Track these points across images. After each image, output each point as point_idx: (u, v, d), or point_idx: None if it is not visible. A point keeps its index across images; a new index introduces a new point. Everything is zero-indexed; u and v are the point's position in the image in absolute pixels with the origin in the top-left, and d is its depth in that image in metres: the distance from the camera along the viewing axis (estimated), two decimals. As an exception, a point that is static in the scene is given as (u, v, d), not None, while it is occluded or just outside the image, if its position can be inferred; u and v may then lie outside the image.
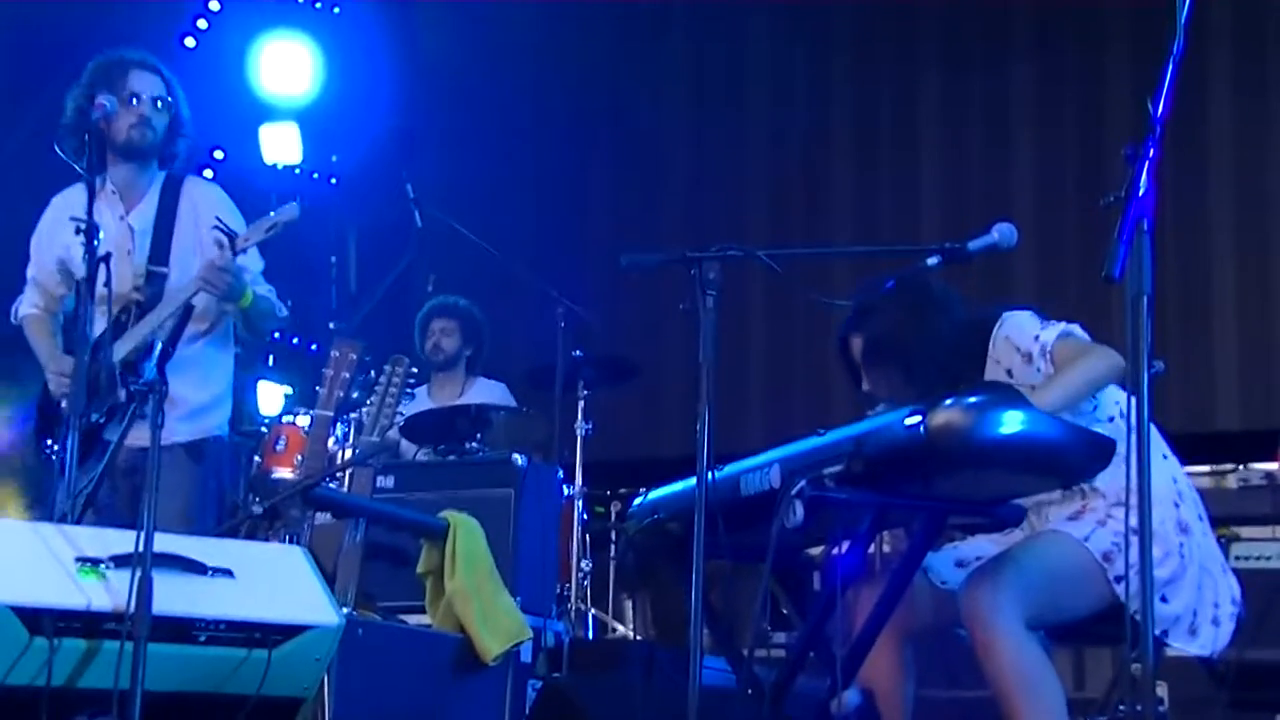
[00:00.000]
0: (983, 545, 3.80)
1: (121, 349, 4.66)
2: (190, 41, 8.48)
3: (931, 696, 3.94)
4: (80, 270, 4.41)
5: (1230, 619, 3.69)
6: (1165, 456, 3.75)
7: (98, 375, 4.54)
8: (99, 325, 4.46)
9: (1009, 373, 3.74)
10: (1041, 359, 3.68)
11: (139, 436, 4.58)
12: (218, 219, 4.68)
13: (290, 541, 4.49)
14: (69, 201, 4.83)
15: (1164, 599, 3.56)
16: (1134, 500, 2.86)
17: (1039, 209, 8.06)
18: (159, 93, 4.82)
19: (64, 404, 4.64)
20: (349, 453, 6.10)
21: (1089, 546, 3.56)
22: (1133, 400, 2.91)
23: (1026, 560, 3.56)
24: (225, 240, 4.62)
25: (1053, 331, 3.71)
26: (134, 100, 4.78)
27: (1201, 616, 3.64)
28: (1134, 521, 2.86)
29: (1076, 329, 3.74)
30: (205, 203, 4.88)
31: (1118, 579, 3.51)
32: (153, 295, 4.75)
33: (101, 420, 4.62)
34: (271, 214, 4.70)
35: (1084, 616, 3.64)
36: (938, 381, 3.74)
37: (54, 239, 4.85)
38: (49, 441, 4.75)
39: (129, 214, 4.85)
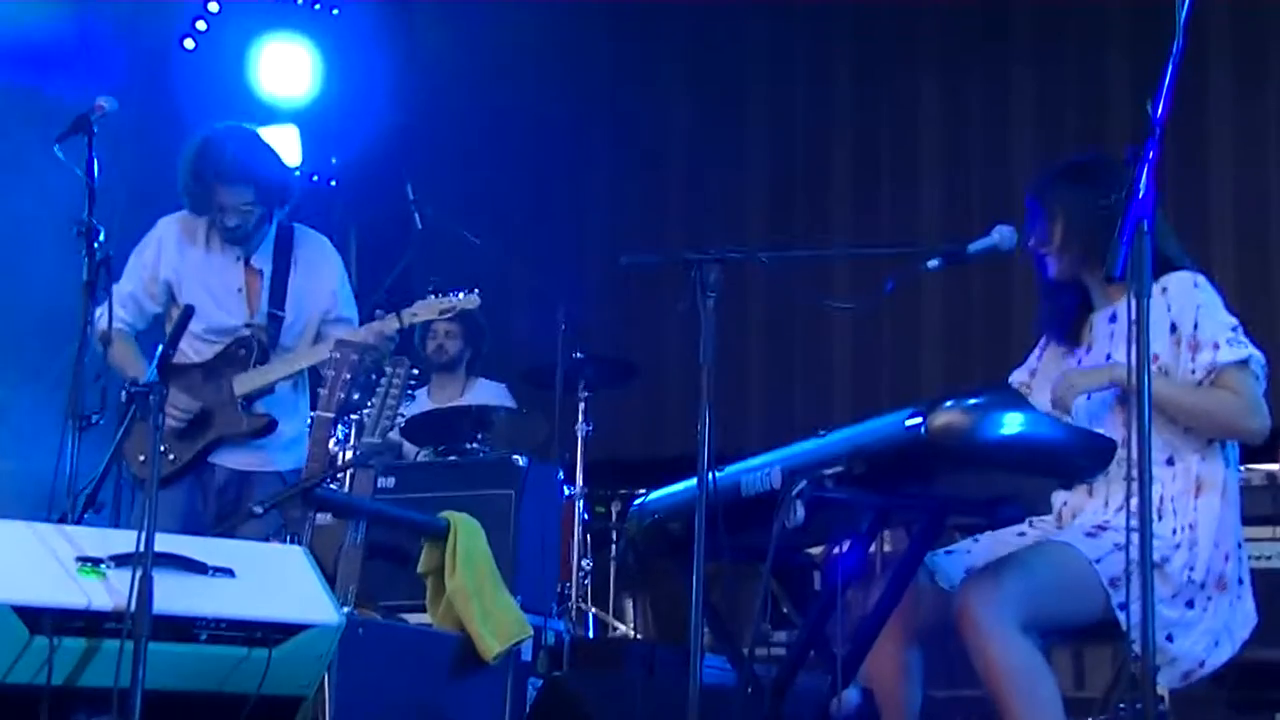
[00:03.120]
0: (995, 549, 3.79)
1: (247, 383, 5.01)
2: (189, 43, 8.47)
3: (932, 696, 3.93)
4: (188, 295, 4.96)
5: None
6: (1233, 503, 3.71)
7: (211, 400, 4.96)
8: (102, 323, 4.59)
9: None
10: (1204, 371, 3.63)
11: (240, 461, 5.05)
12: (384, 292, 5.21)
13: (291, 542, 4.49)
14: (176, 227, 5.16)
15: (1169, 638, 3.55)
16: (1136, 507, 2.87)
17: (1039, 210, 8.04)
18: (245, 200, 5.02)
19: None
20: (350, 454, 6.11)
21: (1098, 569, 3.54)
22: (1133, 398, 2.92)
23: (1028, 568, 3.54)
24: (395, 315, 5.02)
25: (1235, 352, 3.63)
26: (223, 212, 5.03)
27: (1205, 669, 3.62)
28: (1137, 548, 2.86)
29: (1256, 363, 3.67)
30: (318, 259, 5.23)
31: (1121, 606, 3.50)
32: (271, 336, 5.08)
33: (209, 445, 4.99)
34: (450, 298, 5.11)
35: (1080, 626, 3.64)
36: (1082, 250, 3.74)
37: (162, 259, 5.10)
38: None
39: (253, 258, 5.14)
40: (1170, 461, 3.62)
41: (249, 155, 5.07)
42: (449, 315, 5.11)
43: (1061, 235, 3.81)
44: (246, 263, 5.14)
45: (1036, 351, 4.02)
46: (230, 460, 5.05)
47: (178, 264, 5.10)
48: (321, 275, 5.22)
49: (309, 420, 5.31)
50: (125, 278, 5.12)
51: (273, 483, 5.04)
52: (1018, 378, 4.03)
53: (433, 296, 5.11)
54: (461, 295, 5.11)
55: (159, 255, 5.12)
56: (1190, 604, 3.59)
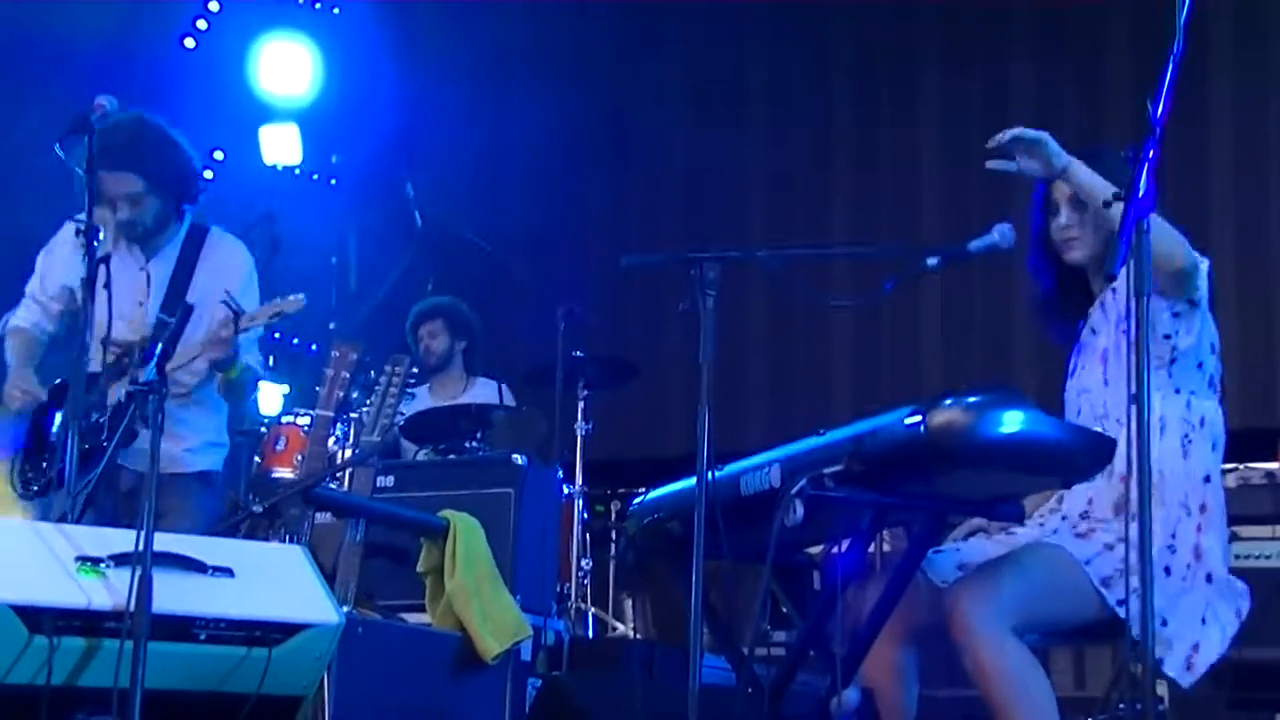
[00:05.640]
0: (986, 548, 3.79)
1: (123, 390, 4.72)
2: (190, 42, 8.48)
3: (932, 696, 3.93)
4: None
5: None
6: (1208, 479, 3.69)
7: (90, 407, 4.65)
8: (97, 332, 4.48)
9: None
10: None
11: (142, 461, 4.63)
12: (226, 293, 4.72)
13: (290, 541, 4.49)
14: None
15: (1164, 623, 3.53)
16: (1135, 500, 2.86)
17: (1039, 209, 8.04)
18: (134, 189, 4.78)
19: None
20: (349, 452, 6.11)
21: (1088, 570, 3.53)
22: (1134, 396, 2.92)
23: (1019, 569, 3.53)
24: (232, 314, 4.69)
25: None
26: (112, 204, 4.77)
27: (1203, 656, 3.60)
28: (1134, 530, 2.85)
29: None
30: (225, 264, 4.98)
31: (1119, 603, 3.50)
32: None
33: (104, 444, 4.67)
34: (278, 300, 4.78)
35: (1074, 627, 3.64)
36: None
37: (67, 262, 4.86)
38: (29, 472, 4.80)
39: (149, 262, 4.93)
40: (1135, 399, 3.60)
41: (137, 141, 4.78)
42: (276, 319, 4.75)
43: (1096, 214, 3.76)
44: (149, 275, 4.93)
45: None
46: (132, 461, 4.74)
47: (82, 270, 4.75)
48: (224, 278, 4.90)
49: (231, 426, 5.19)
50: (34, 277, 4.98)
51: (186, 483, 4.85)
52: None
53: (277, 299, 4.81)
54: (290, 297, 4.76)
55: (62, 258, 4.89)
56: (1167, 570, 3.57)
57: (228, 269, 4.97)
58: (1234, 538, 4.06)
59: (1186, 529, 3.62)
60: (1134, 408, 2.93)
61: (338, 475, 5.17)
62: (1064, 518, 3.70)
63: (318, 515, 4.69)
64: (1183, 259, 3.61)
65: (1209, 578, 3.64)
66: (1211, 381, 3.74)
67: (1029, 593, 3.50)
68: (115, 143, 4.66)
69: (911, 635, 3.77)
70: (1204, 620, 3.62)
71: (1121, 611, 3.48)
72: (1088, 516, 3.66)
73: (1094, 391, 3.77)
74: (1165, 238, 3.57)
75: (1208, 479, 3.70)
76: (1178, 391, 3.68)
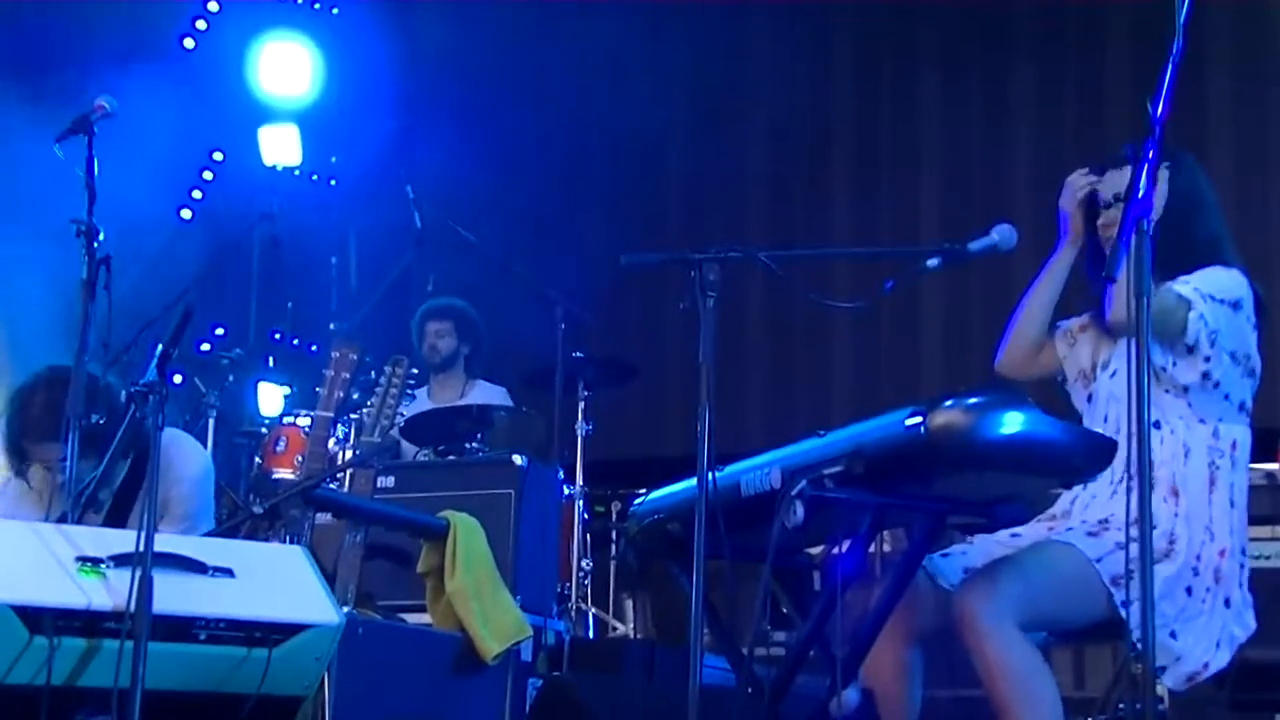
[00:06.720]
0: (993, 548, 3.78)
1: None
2: (189, 42, 8.49)
3: (933, 696, 3.93)
4: None
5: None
6: (1232, 504, 3.68)
7: None
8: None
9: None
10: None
11: None
12: None
13: (290, 542, 4.49)
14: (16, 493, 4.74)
15: (1173, 635, 3.54)
16: (1139, 502, 2.86)
17: (1039, 209, 8.03)
18: (61, 456, 4.20)
19: None
20: (349, 453, 6.11)
21: (1099, 568, 3.53)
22: (1133, 400, 2.92)
23: (1028, 568, 3.53)
24: None
25: (1186, 290, 3.66)
26: (48, 469, 4.58)
27: (1208, 672, 3.60)
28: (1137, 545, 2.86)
29: (1198, 314, 3.66)
30: (167, 472, 4.51)
31: (1124, 604, 3.49)
32: None
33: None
34: None
35: (1082, 626, 3.64)
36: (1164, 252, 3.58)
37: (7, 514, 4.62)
38: None
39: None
40: (1156, 425, 3.61)
41: (56, 412, 4.25)
42: None
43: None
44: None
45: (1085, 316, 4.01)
46: None
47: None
48: (168, 485, 4.55)
49: None
50: None
51: None
52: (1066, 325, 4.03)
53: None
54: None
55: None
56: (1189, 590, 3.58)
57: (169, 478, 4.60)
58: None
59: (1209, 553, 3.62)
60: (1135, 414, 2.92)
61: (338, 476, 5.17)
62: (1083, 522, 3.69)
63: (318, 515, 4.69)
64: (1163, 336, 3.59)
65: (1227, 602, 3.64)
66: (1242, 405, 3.72)
67: (1036, 590, 3.50)
68: (35, 415, 4.49)
69: (917, 637, 3.77)
70: (1218, 644, 3.61)
71: (1124, 612, 3.48)
72: (1106, 524, 3.65)
73: (1124, 404, 3.74)
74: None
75: (1233, 504, 3.69)
76: (1203, 421, 3.67)
